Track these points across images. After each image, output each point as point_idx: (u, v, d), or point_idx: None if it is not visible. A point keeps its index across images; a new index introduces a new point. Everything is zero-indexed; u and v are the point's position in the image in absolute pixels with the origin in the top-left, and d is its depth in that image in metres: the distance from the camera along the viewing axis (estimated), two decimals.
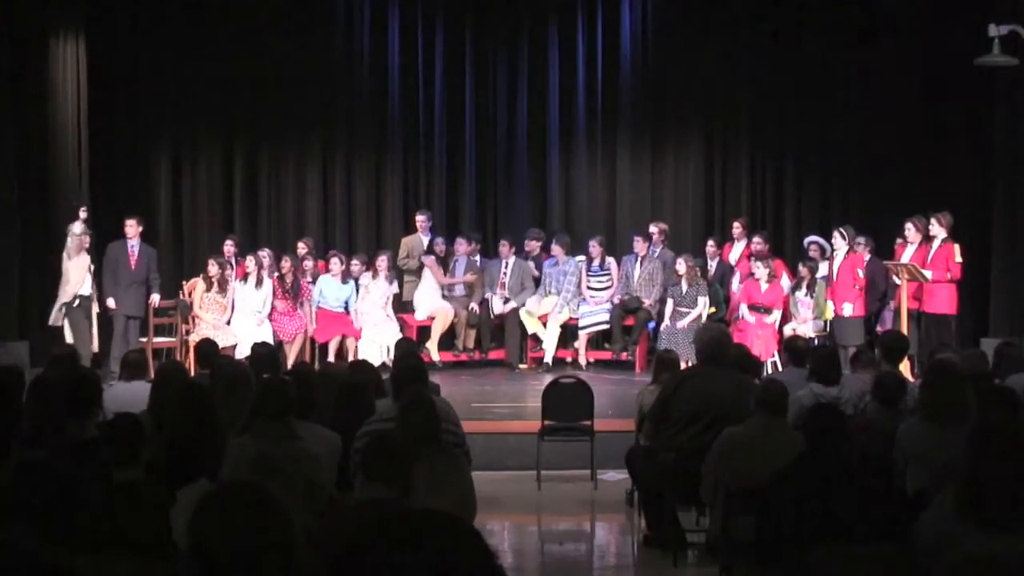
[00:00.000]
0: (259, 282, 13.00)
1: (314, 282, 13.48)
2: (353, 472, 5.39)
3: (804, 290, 12.78)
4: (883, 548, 4.44)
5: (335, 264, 13.44)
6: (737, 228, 13.98)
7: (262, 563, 2.78)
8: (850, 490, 4.90)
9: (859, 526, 4.74)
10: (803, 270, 12.90)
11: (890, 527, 4.69)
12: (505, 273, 13.88)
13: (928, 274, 11.74)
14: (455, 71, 15.28)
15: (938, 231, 12.00)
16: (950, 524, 4.08)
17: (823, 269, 12.93)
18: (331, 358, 12.82)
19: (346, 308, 13.39)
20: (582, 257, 13.98)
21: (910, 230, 12.23)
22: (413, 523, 2.12)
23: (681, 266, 13.08)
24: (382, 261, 13.50)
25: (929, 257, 11.95)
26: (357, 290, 13.41)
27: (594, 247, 13.85)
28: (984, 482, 4.08)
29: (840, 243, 12.64)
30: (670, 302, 13.10)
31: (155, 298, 13.03)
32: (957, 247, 11.95)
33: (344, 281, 13.39)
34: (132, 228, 12.93)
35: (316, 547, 3.94)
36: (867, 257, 12.83)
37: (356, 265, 13.59)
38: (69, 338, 12.10)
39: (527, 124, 15.32)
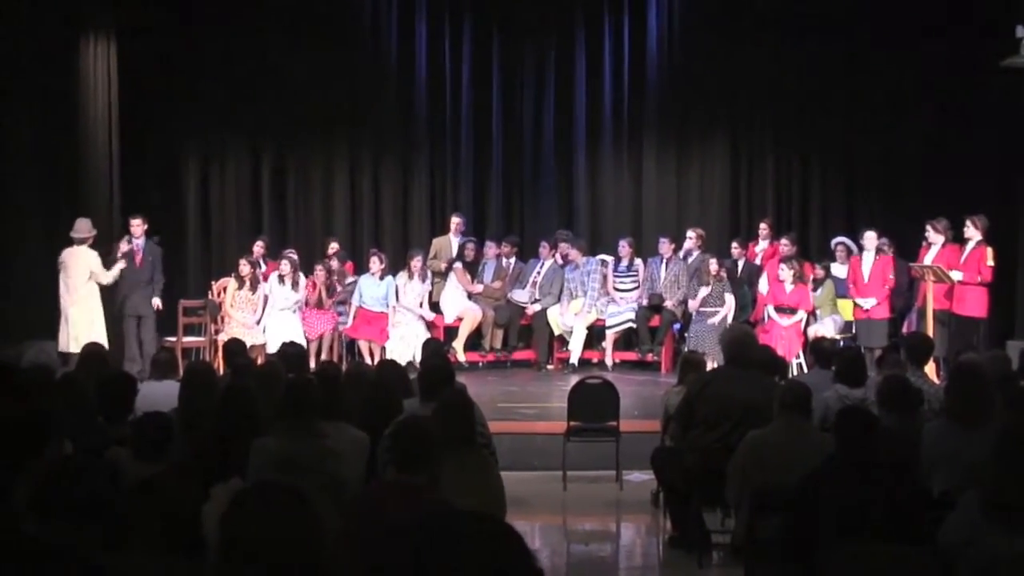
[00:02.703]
0: (295, 284, 13.05)
1: (341, 282, 13.55)
2: (382, 470, 5.41)
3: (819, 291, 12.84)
4: (909, 549, 4.45)
5: (374, 263, 13.48)
6: (764, 229, 13.98)
7: (293, 561, 2.81)
8: (877, 491, 4.90)
9: (885, 527, 4.74)
10: (818, 271, 12.95)
11: (916, 528, 4.69)
12: (539, 273, 13.90)
13: (957, 275, 11.65)
14: (482, 73, 15.31)
15: (973, 233, 11.89)
16: (976, 525, 4.08)
17: (845, 270, 12.93)
18: (367, 359, 12.87)
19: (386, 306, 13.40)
20: (602, 256, 13.99)
21: (929, 232, 12.16)
22: (458, 523, 2.15)
23: (713, 265, 13.08)
24: (417, 262, 13.54)
25: (962, 259, 11.86)
26: (397, 292, 13.41)
27: (623, 247, 13.86)
28: (1010, 483, 4.09)
29: (871, 243, 12.66)
30: (691, 304, 13.09)
31: (156, 301, 12.76)
32: (990, 250, 11.83)
33: (381, 278, 13.44)
34: (138, 227, 12.80)
35: (343, 541, 3.97)
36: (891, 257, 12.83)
37: (417, 262, 13.54)
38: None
39: (554, 126, 15.34)
